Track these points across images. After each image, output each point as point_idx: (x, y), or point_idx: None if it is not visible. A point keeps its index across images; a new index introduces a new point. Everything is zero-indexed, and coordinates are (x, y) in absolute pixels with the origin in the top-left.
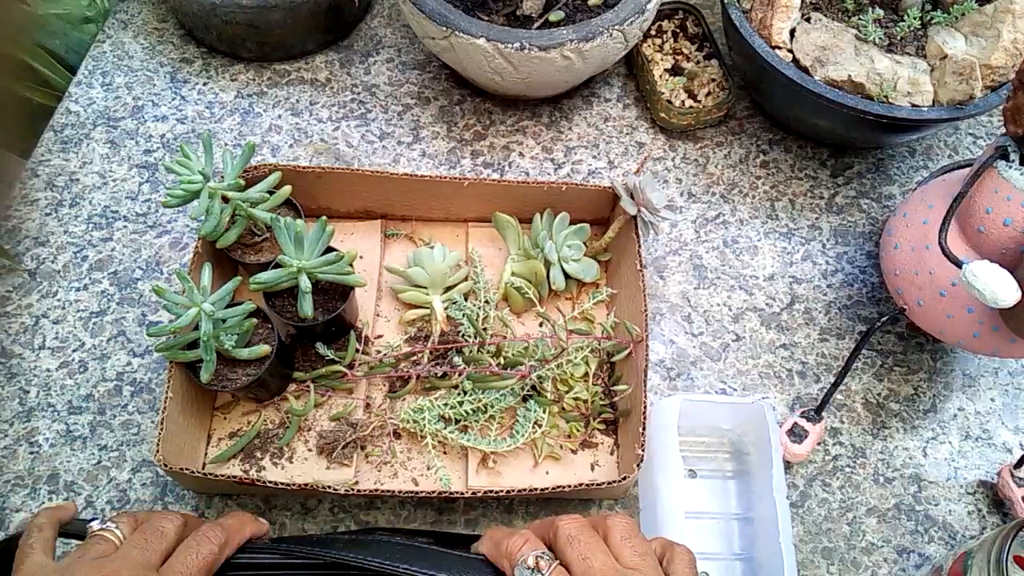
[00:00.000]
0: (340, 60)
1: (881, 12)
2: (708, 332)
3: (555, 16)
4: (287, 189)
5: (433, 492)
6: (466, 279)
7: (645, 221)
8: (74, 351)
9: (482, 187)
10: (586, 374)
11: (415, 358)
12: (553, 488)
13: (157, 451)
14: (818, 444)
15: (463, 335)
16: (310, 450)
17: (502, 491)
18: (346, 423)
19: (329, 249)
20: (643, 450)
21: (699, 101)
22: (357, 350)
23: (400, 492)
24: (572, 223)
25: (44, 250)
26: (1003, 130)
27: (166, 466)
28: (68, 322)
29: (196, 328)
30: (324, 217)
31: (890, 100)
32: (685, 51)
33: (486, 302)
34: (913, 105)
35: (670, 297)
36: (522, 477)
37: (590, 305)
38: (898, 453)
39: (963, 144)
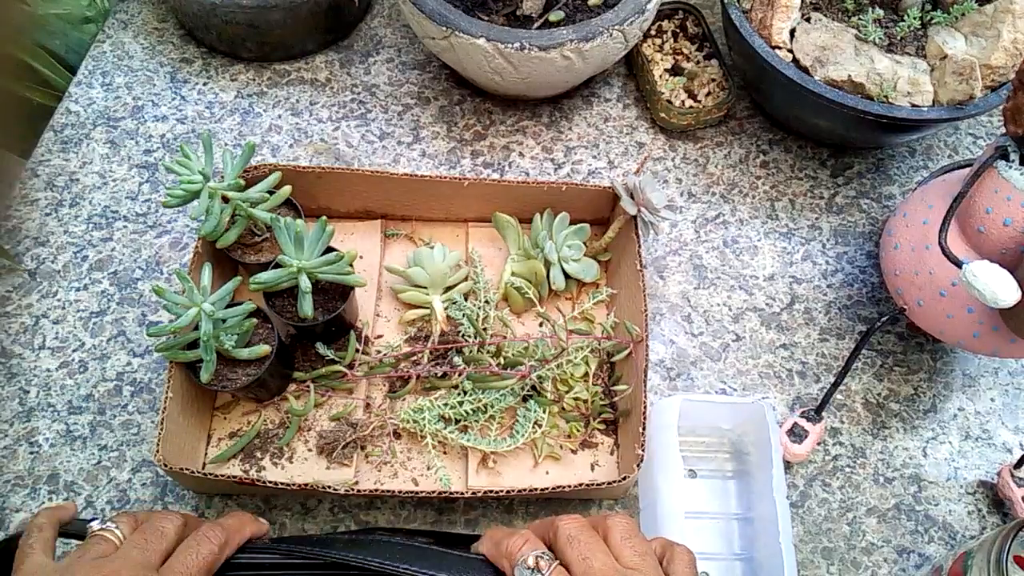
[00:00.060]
0: (340, 60)
1: (881, 12)
2: (708, 332)
3: (555, 16)
4: (287, 189)
5: (433, 492)
6: (466, 279)
7: (645, 221)
8: (74, 351)
9: (482, 187)
10: (586, 374)
11: (415, 358)
12: (553, 488)
13: (157, 451)
14: (818, 444)
15: (463, 335)
16: (310, 450)
17: (502, 491)
18: (346, 423)
19: (329, 249)
20: (643, 450)
21: (699, 101)
22: (357, 350)
23: (400, 492)
24: (572, 223)
25: (44, 250)
26: (1003, 130)
27: (166, 466)
28: (68, 322)
29: (196, 328)
30: (324, 217)
31: (890, 100)
32: (685, 51)
33: (486, 302)
34: (913, 105)
35: (670, 297)
36: (522, 477)
37: (590, 305)
38: (898, 453)
39: (963, 144)
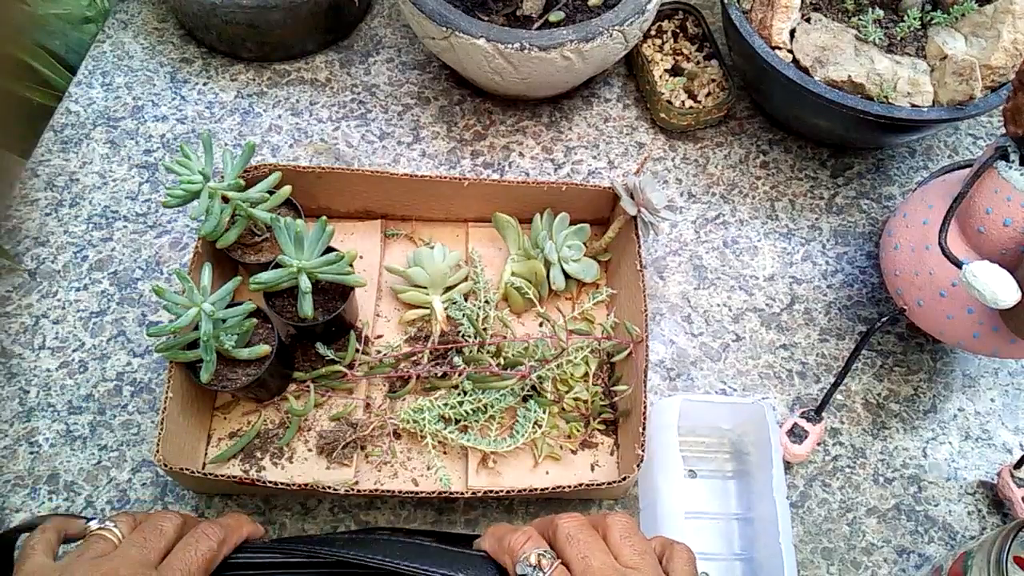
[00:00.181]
0: (340, 60)
1: (881, 12)
2: (708, 332)
3: (555, 16)
4: (287, 189)
5: (433, 492)
6: (466, 279)
7: (645, 221)
8: (74, 351)
9: (482, 187)
10: (586, 374)
11: (415, 358)
12: (553, 488)
13: (157, 451)
14: (818, 444)
15: (463, 335)
16: (310, 450)
17: (502, 491)
18: (346, 423)
19: (329, 249)
20: (643, 450)
21: (699, 101)
22: (357, 350)
23: (400, 492)
24: (572, 223)
25: (44, 250)
26: (1003, 130)
27: (166, 466)
28: (68, 322)
29: (196, 328)
30: (324, 217)
31: (890, 100)
32: (685, 51)
33: (486, 302)
34: (913, 105)
35: (670, 297)
36: (522, 477)
37: (590, 305)
38: (898, 453)
39: (963, 144)
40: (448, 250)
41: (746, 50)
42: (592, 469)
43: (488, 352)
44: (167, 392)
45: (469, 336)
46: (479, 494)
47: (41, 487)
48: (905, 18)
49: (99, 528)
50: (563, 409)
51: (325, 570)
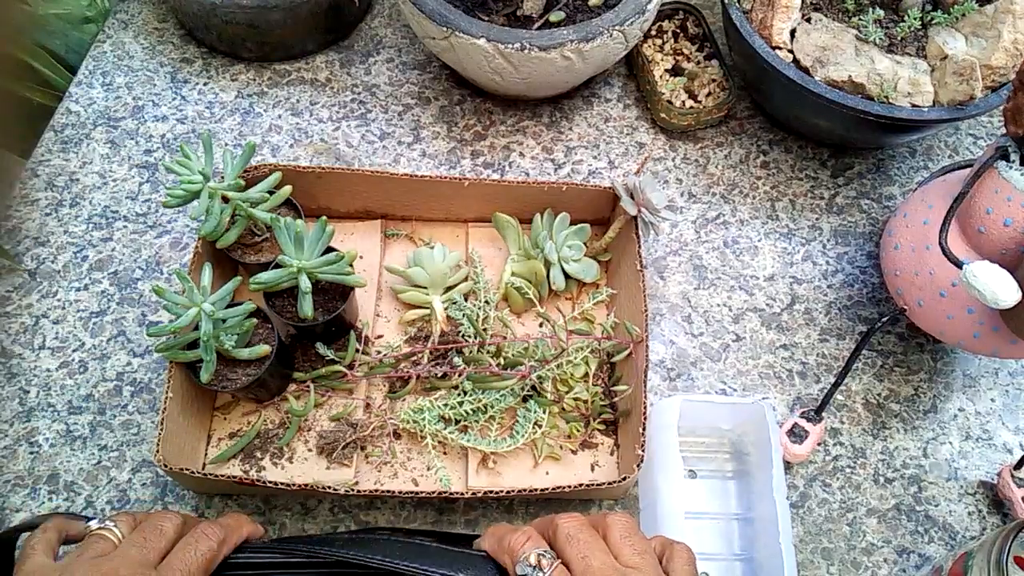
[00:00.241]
0: (340, 60)
1: (881, 12)
2: (708, 332)
3: (555, 16)
4: (287, 189)
5: (433, 492)
6: (466, 279)
7: (645, 221)
8: (74, 351)
9: (482, 187)
10: (586, 374)
11: (415, 358)
12: (553, 488)
13: (157, 451)
14: (818, 444)
15: (463, 335)
16: (310, 450)
17: (502, 491)
18: (346, 423)
19: (329, 249)
20: (643, 450)
21: (699, 101)
22: (357, 350)
23: (400, 492)
24: (572, 223)
25: (44, 250)
26: (1003, 130)
27: (166, 466)
28: (68, 322)
29: (196, 328)
30: (324, 217)
31: (890, 100)
32: (685, 51)
33: (486, 302)
34: (913, 105)
35: (670, 297)
36: (522, 477)
37: (590, 305)
38: (898, 453)
39: (963, 144)
40: (448, 250)
41: (746, 50)
42: (592, 469)
43: (488, 352)
44: (167, 392)
45: (469, 336)
46: (479, 494)
47: (41, 487)
48: (905, 18)
49: (99, 528)
50: (563, 409)
51: (325, 570)
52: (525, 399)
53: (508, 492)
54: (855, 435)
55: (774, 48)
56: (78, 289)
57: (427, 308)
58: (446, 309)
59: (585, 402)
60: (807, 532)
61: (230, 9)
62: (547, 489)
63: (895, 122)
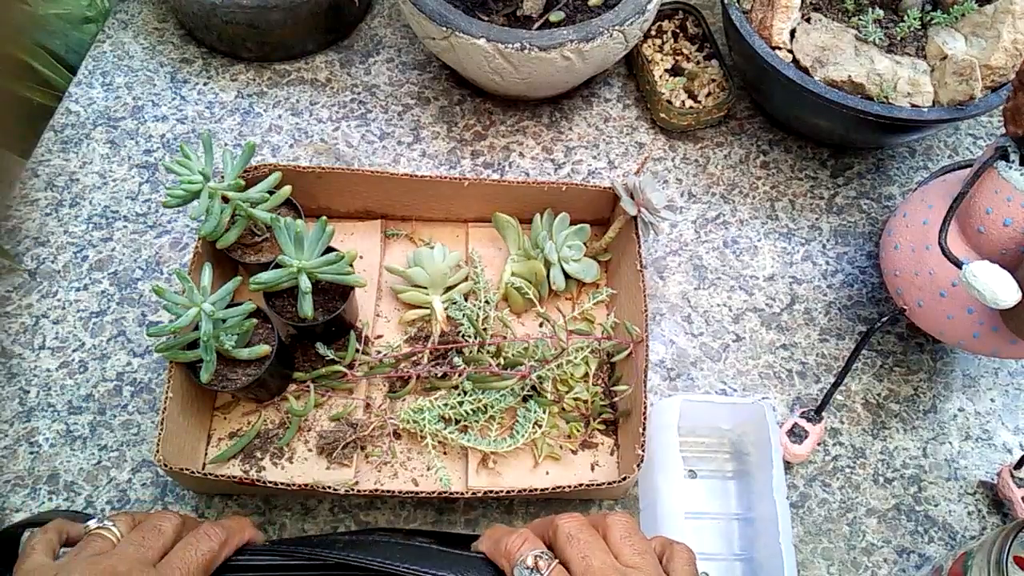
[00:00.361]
0: (340, 60)
1: (881, 12)
2: (708, 332)
3: (555, 16)
4: (287, 189)
5: (433, 492)
6: (466, 279)
7: (645, 221)
8: (74, 351)
9: (482, 187)
10: (586, 374)
11: (415, 358)
12: (553, 488)
13: (157, 451)
14: (818, 444)
15: (463, 335)
16: (310, 450)
17: (502, 491)
18: (346, 423)
19: (329, 249)
20: (643, 450)
21: (699, 101)
22: (357, 350)
23: (400, 492)
24: (572, 223)
25: (44, 250)
26: (1003, 130)
27: (166, 466)
28: (68, 322)
29: (196, 328)
30: (324, 217)
31: (890, 100)
32: (685, 51)
33: (486, 302)
34: (913, 105)
35: (670, 297)
36: (522, 477)
37: (590, 305)
38: (898, 453)
39: (963, 144)
40: (448, 250)
41: (746, 50)
42: (592, 469)
43: (488, 352)
44: (167, 392)
45: (469, 336)
46: (479, 494)
47: (41, 487)
48: (905, 18)
49: (97, 527)
50: (563, 409)
51: (325, 572)
52: (525, 399)
53: (508, 492)
54: (855, 435)
55: (774, 48)
56: (78, 289)
57: (427, 308)
58: (446, 309)
59: (585, 402)
60: (807, 532)
61: (230, 9)
62: (547, 489)
63: (895, 122)
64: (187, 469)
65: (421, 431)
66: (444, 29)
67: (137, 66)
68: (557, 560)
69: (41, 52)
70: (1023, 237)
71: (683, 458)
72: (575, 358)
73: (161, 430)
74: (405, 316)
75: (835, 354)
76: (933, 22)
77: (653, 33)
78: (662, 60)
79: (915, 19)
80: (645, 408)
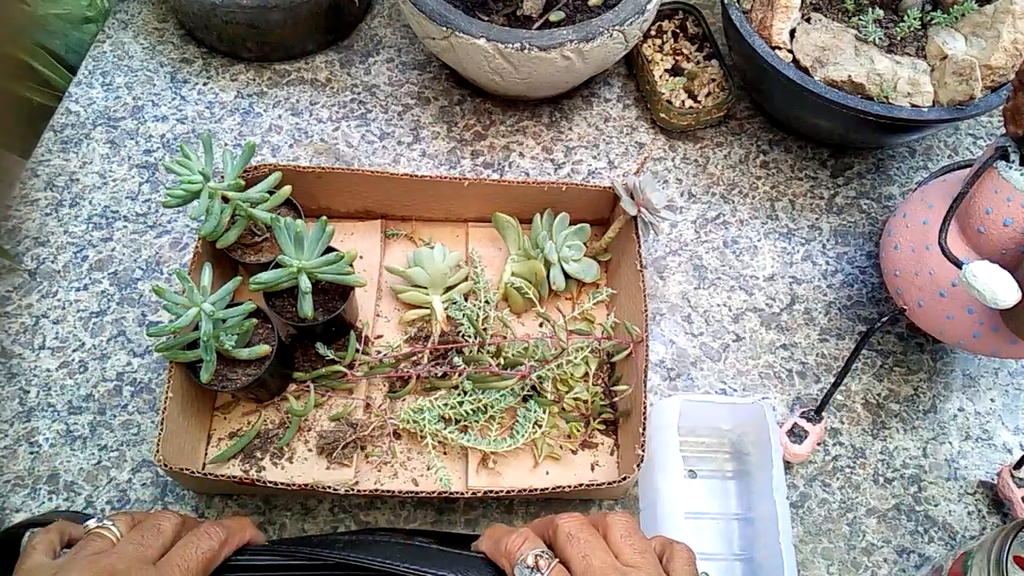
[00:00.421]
0: (340, 60)
1: (881, 12)
2: (708, 332)
3: (555, 16)
4: (287, 189)
5: (433, 492)
6: (466, 279)
7: (645, 221)
8: (74, 351)
9: (482, 187)
10: (586, 374)
11: (415, 358)
12: (553, 488)
13: (157, 451)
14: (818, 444)
15: (463, 335)
16: (310, 450)
17: (502, 491)
18: (346, 423)
19: (329, 249)
20: (643, 450)
21: (699, 101)
22: (357, 350)
23: (400, 492)
24: (572, 223)
25: (44, 250)
26: (1003, 130)
27: (166, 466)
28: (68, 322)
29: (196, 328)
30: (324, 217)
31: (890, 100)
32: (685, 51)
33: (486, 302)
34: (913, 105)
35: (670, 297)
36: (522, 477)
37: (590, 305)
38: (898, 453)
39: (963, 144)
40: (448, 250)
41: (746, 50)
42: (592, 469)
43: (488, 352)
44: (167, 392)
45: (469, 336)
46: (479, 494)
47: (41, 487)
48: (905, 18)
49: (97, 527)
50: (563, 409)
51: (326, 572)
52: (525, 399)
53: (508, 492)
54: (855, 435)
55: (774, 48)
56: (78, 289)
57: (427, 308)
58: (446, 309)
59: (585, 402)
60: (807, 532)
61: (230, 9)
62: (547, 489)
63: (895, 122)
64: (187, 469)
65: (421, 431)
66: (444, 29)
67: (137, 66)
68: (557, 559)
69: (41, 52)
70: (1023, 237)
71: (683, 458)
72: (575, 358)
73: (161, 430)
74: (405, 316)
75: (835, 354)
76: (933, 22)
77: (653, 33)
78: (662, 60)
79: (915, 19)
80: (645, 408)
